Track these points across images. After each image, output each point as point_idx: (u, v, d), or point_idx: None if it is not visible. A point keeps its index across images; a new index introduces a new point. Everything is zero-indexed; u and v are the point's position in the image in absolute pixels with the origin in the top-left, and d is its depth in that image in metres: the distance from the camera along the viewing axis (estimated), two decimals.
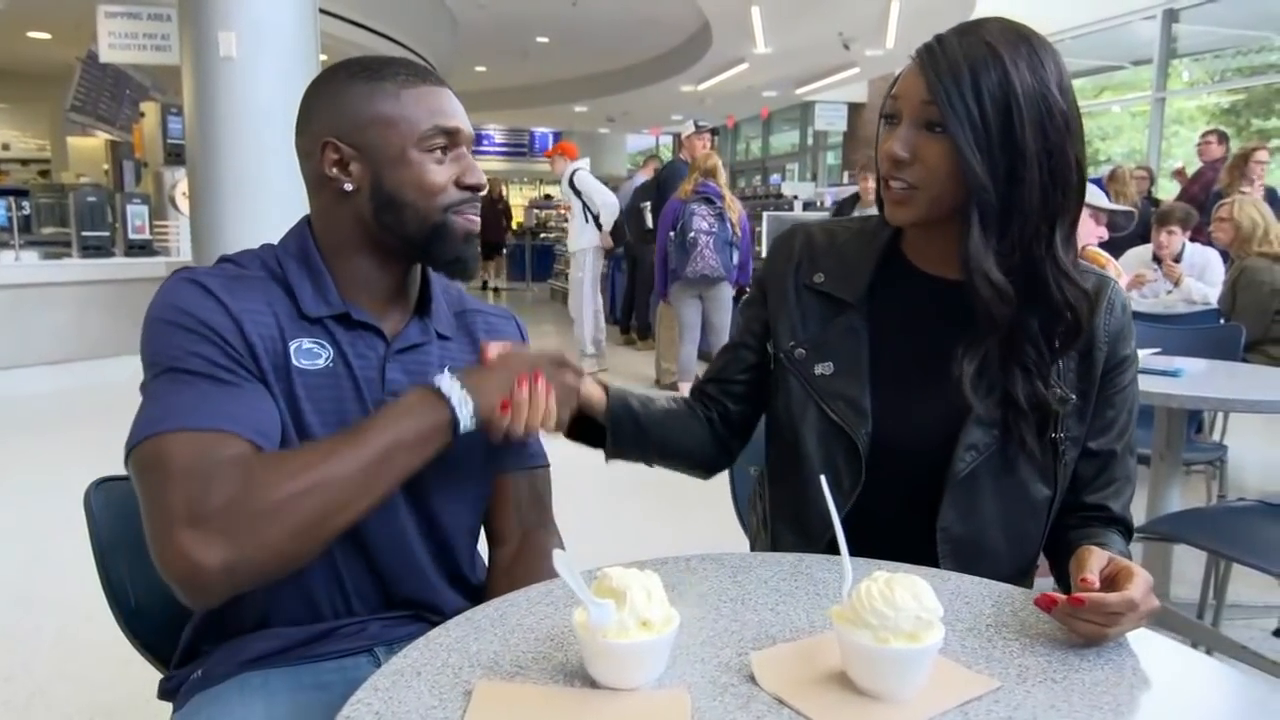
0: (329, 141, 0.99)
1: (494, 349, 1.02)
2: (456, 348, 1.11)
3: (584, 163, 6.63)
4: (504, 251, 14.05)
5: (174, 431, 0.85)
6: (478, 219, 1.04)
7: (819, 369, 1.10)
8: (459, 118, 1.01)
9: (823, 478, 0.86)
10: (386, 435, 0.91)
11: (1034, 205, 0.98)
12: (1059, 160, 0.97)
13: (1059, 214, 0.99)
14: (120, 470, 1.02)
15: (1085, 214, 2.53)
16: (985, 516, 1.05)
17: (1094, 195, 2.59)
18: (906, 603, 0.72)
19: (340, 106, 1.00)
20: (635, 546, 1.07)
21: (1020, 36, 0.98)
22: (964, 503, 1.05)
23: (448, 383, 0.94)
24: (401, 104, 0.98)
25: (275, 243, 1.06)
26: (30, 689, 2.21)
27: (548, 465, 1.22)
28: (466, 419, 0.94)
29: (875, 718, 0.69)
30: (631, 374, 6.75)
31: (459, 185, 1.01)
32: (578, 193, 6.41)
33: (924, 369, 1.07)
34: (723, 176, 5.51)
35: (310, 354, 0.98)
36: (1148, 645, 0.84)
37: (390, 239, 1.01)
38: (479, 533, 1.17)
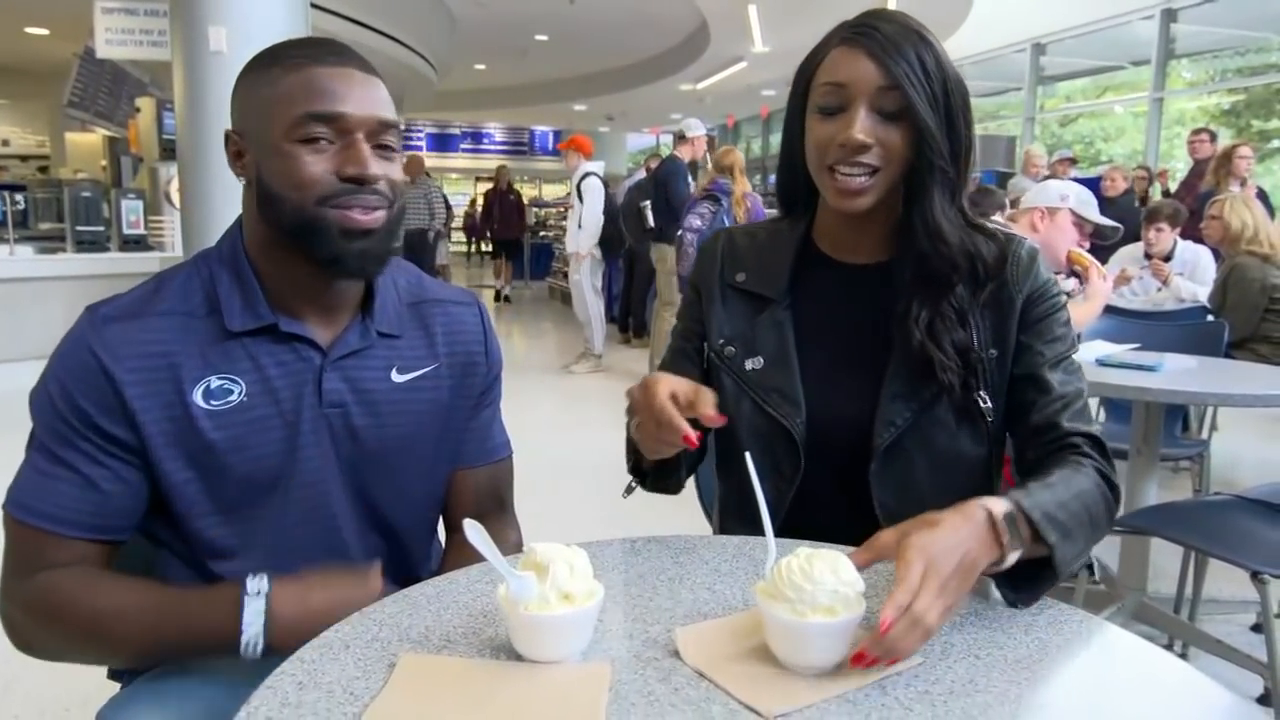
0: (228, 131, 0.98)
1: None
2: (406, 345, 1.06)
3: (598, 166, 6.64)
4: (522, 251, 12.35)
5: (17, 519, 0.93)
6: (371, 214, 0.94)
7: (749, 364, 1.13)
8: (347, 101, 0.92)
9: (747, 455, 0.87)
10: (173, 623, 0.89)
11: (965, 173, 1.07)
12: (971, 129, 1.06)
13: (968, 178, 1.09)
14: None
15: (1069, 221, 2.53)
16: (920, 486, 1.06)
17: (1085, 204, 2.57)
18: (825, 577, 0.72)
19: (237, 94, 0.97)
20: (601, 532, 1.06)
21: (919, 22, 1.05)
22: (894, 476, 1.07)
23: (252, 603, 0.88)
24: (279, 89, 0.92)
25: (216, 244, 1.02)
26: (6, 677, 2.22)
27: (510, 455, 1.20)
28: (251, 648, 0.88)
29: (791, 691, 0.70)
30: (626, 371, 6.77)
31: (340, 177, 0.92)
32: (581, 196, 6.43)
33: (847, 353, 1.12)
34: (739, 173, 5.40)
35: (220, 392, 0.95)
36: (1071, 623, 0.84)
37: (277, 235, 0.95)
38: (436, 527, 1.16)
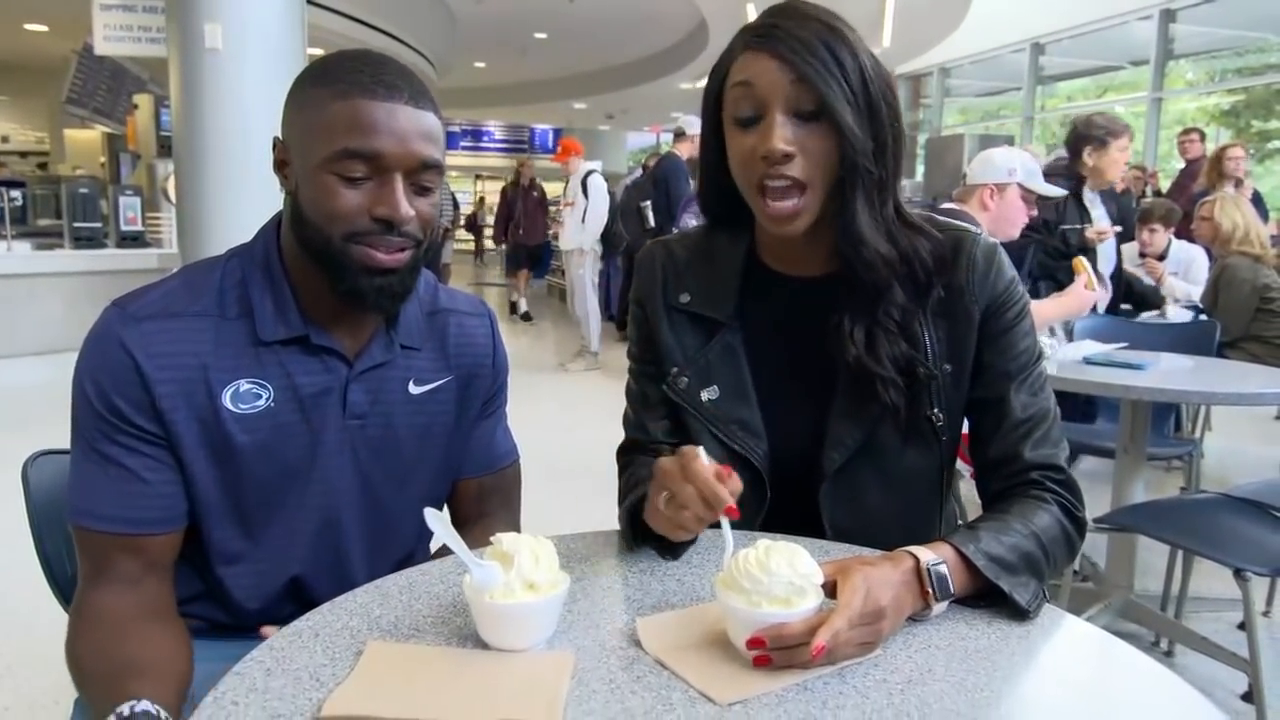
0: (275, 138, 0.97)
1: None
2: (424, 357, 1.06)
3: (597, 164, 6.69)
4: (547, 257, 10.72)
5: (77, 528, 0.94)
6: (394, 254, 0.93)
7: (705, 395, 1.07)
8: (389, 139, 0.90)
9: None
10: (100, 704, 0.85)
11: (892, 170, 1.00)
12: (899, 121, 1.00)
13: (900, 173, 1.02)
14: (63, 444, 1.05)
15: (1018, 195, 2.46)
16: (869, 505, 1.03)
17: (1032, 175, 2.51)
18: (781, 569, 0.73)
19: (288, 103, 0.96)
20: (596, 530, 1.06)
21: (829, 12, 0.99)
22: (844, 497, 1.03)
23: None
24: (325, 116, 0.90)
25: (248, 243, 1.02)
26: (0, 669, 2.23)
27: (515, 460, 1.21)
28: None
29: (749, 680, 0.71)
30: (623, 369, 6.74)
31: (372, 216, 0.91)
32: (587, 195, 6.46)
33: (800, 372, 1.06)
34: None
35: (248, 396, 0.95)
36: (1039, 615, 0.84)
37: (306, 253, 0.96)
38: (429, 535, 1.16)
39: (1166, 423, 3.19)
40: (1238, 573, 1.77)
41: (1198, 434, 3.42)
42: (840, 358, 1.01)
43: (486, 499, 1.17)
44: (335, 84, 0.90)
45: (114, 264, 6.01)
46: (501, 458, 1.18)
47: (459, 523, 1.16)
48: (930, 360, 1.01)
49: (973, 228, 1.07)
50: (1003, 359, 1.03)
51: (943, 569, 0.82)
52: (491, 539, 0.79)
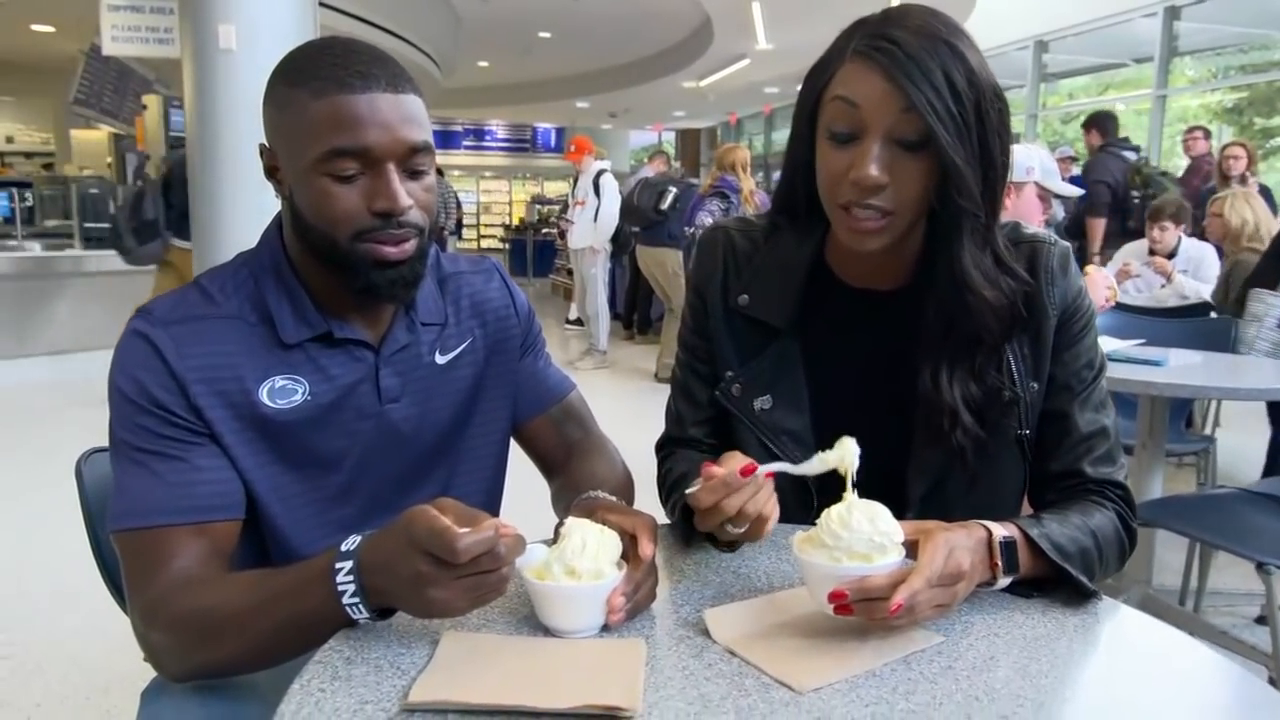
0: (261, 145, 0.96)
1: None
2: (449, 331, 1.07)
3: (607, 163, 6.71)
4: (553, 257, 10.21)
5: (127, 531, 0.90)
6: (401, 246, 0.92)
7: (758, 404, 1.04)
8: (374, 130, 0.88)
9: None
10: (280, 613, 0.81)
11: (998, 206, 0.94)
12: (1009, 151, 0.94)
13: (1000, 209, 0.96)
14: (76, 444, 1.05)
15: (1035, 194, 2.48)
16: (952, 515, 0.95)
17: (1050, 175, 2.52)
18: (862, 525, 0.76)
19: (266, 108, 0.94)
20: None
21: (952, 23, 0.91)
22: (929, 513, 0.95)
23: (342, 570, 0.76)
24: (307, 117, 0.88)
25: (253, 249, 1.02)
26: (29, 666, 2.25)
27: (574, 388, 1.21)
28: (360, 615, 0.77)
29: (824, 669, 0.72)
30: (632, 368, 6.79)
31: (371, 211, 0.90)
32: (598, 194, 6.47)
33: (868, 390, 1.02)
34: (746, 170, 5.39)
35: (285, 392, 0.96)
36: (1092, 605, 0.86)
37: (314, 255, 0.95)
38: (498, 497, 1.17)
39: (1180, 419, 3.21)
40: (1260, 566, 1.79)
41: (1208, 429, 3.44)
42: (920, 388, 0.97)
43: (564, 429, 1.18)
44: (310, 82, 0.89)
45: (125, 264, 6.03)
46: (558, 386, 1.19)
47: (553, 466, 1.17)
48: (1017, 382, 0.99)
49: (1043, 232, 1.04)
50: (1066, 371, 1.01)
51: (1013, 544, 0.84)
52: (564, 523, 0.81)
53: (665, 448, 1.16)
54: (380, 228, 0.91)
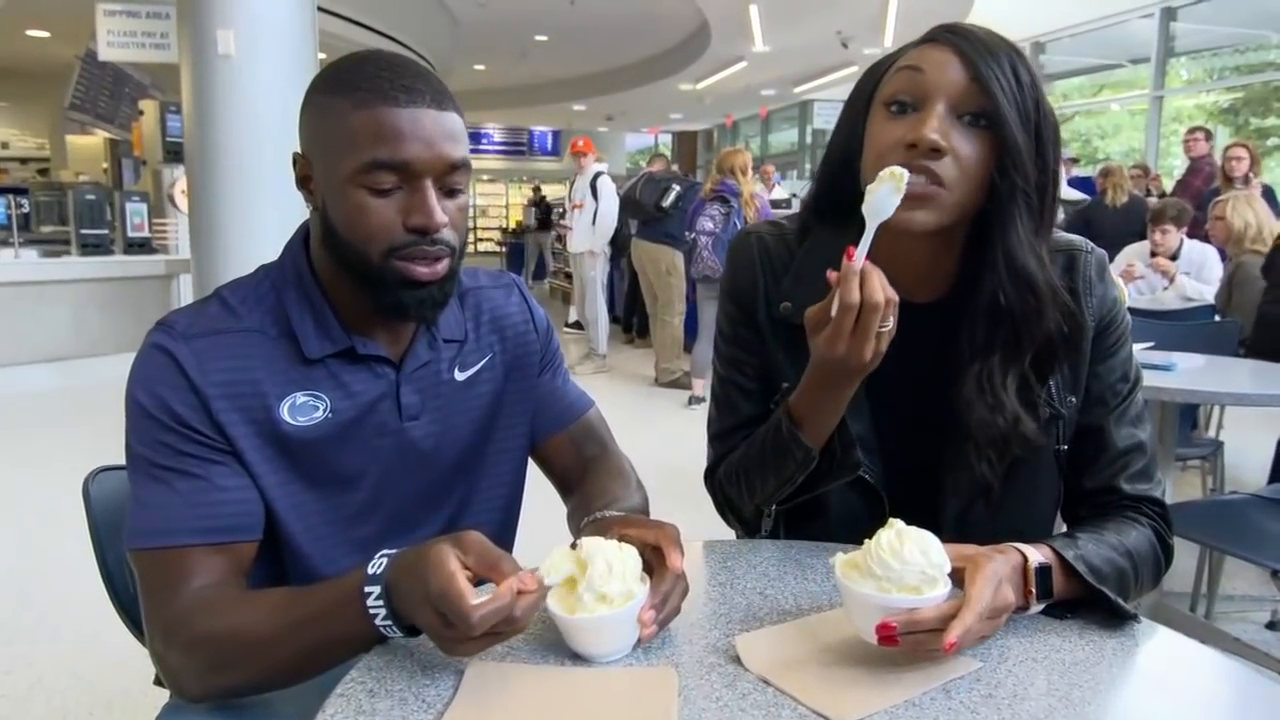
0: (296, 154, 0.95)
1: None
2: (468, 348, 1.06)
3: (605, 165, 6.69)
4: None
5: (146, 550, 0.88)
6: (434, 266, 0.91)
7: None
8: (416, 146, 0.87)
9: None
10: (310, 637, 0.80)
11: (1049, 213, 0.92)
12: (1059, 167, 0.92)
13: (1053, 222, 0.94)
14: (118, 460, 1.04)
15: None
16: (986, 531, 0.95)
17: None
18: (914, 557, 0.74)
19: (306, 115, 0.93)
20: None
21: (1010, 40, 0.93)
22: (964, 533, 0.94)
23: (372, 595, 0.76)
24: (349, 126, 0.87)
25: (275, 261, 1.00)
26: (30, 680, 2.22)
27: (592, 405, 1.20)
28: (394, 634, 0.77)
29: (861, 699, 0.70)
30: (631, 373, 6.77)
31: (406, 226, 0.89)
32: (596, 196, 6.45)
33: (903, 404, 1.00)
34: (746, 174, 5.34)
35: (305, 409, 0.94)
36: (1129, 626, 0.85)
37: (343, 269, 0.93)
38: (516, 517, 1.15)
39: (1186, 423, 3.20)
40: (1275, 573, 1.78)
41: (1212, 433, 3.43)
42: (959, 401, 0.94)
43: (582, 446, 1.16)
44: (354, 92, 0.87)
45: (122, 270, 6.00)
46: (577, 403, 1.18)
47: (570, 484, 1.15)
48: (1056, 399, 0.97)
49: (1078, 239, 1.02)
50: (1101, 384, 0.99)
51: (1048, 570, 0.83)
52: (577, 542, 0.79)
53: (717, 469, 1.10)
54: (413, 244, 0.89)
